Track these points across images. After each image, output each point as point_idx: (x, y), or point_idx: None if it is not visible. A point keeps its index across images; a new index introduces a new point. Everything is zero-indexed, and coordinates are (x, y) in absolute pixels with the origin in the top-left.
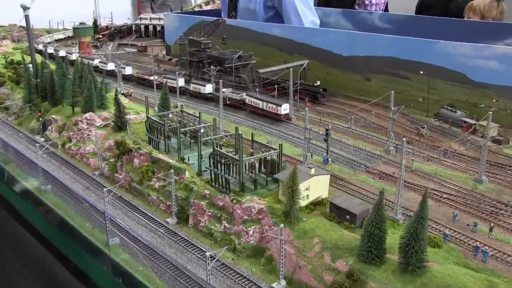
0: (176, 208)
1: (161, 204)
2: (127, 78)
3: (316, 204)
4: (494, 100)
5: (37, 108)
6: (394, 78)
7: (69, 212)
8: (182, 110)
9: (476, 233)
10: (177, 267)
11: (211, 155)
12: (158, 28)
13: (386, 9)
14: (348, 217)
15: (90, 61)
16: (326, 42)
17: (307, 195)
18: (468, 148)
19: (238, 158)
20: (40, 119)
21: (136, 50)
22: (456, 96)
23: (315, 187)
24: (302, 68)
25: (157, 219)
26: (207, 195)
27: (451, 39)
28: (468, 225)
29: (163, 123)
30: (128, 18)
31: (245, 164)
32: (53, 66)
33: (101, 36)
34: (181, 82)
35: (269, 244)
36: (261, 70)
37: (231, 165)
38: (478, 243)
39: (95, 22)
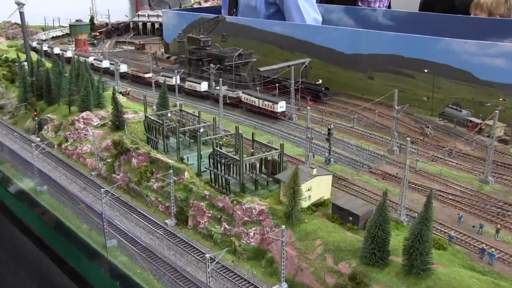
0: (175, 209)
1: (160, 205)
2: (122, 76)
3: (318, 205)
4: (500, 99)
5: (33, 107)
6: (397, 77)
7: (65, 214)
8: (181, 109)
9: (482, 235)
10: (176, 270)
11: (210, 155)
12: (156, 26)
13: (389, 6)
14: (350, 218)
15: (86, 59)
16: (328, 40)
17: (309, 196)
18: (474, 148)
19: (239, 158)
20: (36, 118)
21: (134, 48)
22: (462, 95)
23: (317, 187)
24: (303, 66)
25: (156, 221)
26: (207, 196)
27: (456, 36)
28: (473, 226)
29: (161, 122)
30: (126, 15)
31: (246, 164)
32: (49, 64)
33: (98, 34)
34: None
35: (270, 246)
36: (261, 68)
37: (231, 165)
38: (484, 245)
39: (91, 19)
